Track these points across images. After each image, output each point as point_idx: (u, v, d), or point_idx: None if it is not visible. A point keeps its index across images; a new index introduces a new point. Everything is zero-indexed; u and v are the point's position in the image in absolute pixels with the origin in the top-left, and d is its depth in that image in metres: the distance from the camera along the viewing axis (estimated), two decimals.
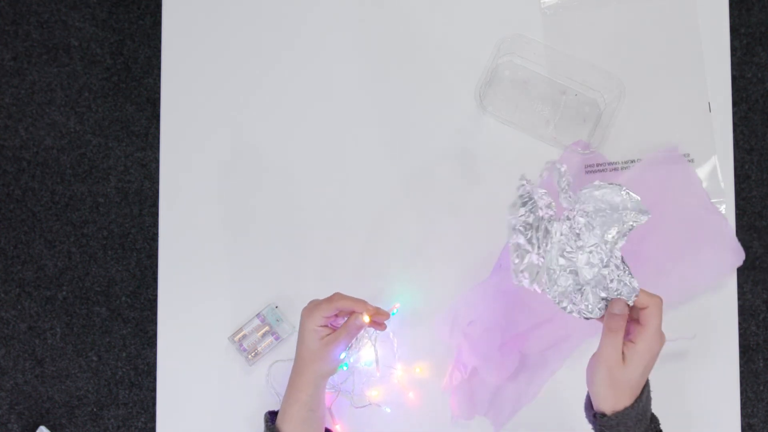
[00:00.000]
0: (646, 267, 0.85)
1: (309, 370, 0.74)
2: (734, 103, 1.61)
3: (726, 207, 0.87)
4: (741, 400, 0.89)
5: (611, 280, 0.66)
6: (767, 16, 1.64)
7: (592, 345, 0.86)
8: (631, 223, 0.68)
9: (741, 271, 1.58)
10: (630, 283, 0.66)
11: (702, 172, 0.87)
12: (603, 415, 0.65)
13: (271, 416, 0.76)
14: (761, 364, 1.58)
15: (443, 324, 0.86)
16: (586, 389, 0.69)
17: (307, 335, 0.74)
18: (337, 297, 0.75)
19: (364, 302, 0.76)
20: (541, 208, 0.69)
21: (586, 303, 0.67)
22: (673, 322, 0.86)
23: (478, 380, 0.84)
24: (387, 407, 0.86)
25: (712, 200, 0.86)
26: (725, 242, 0.85)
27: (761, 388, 1.58)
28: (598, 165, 0.88)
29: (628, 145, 0.88)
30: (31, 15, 1.71)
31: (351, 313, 0.75)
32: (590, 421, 0.68)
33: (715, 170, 0.88)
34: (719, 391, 0.86)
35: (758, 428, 1.57)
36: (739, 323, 1.28)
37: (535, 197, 0.69)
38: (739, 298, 0.90)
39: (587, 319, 0.67)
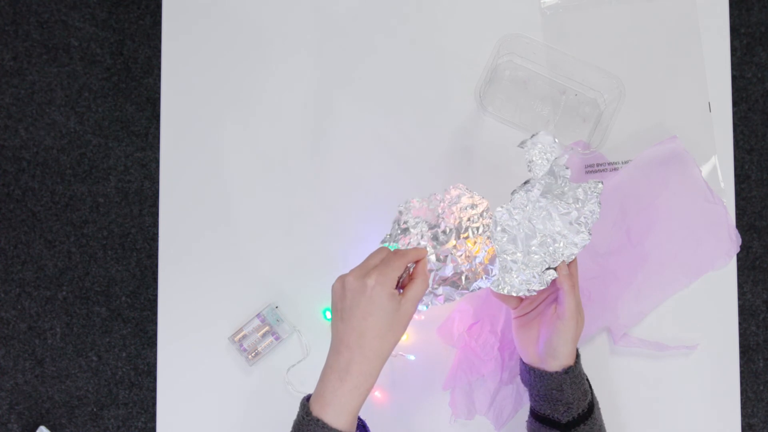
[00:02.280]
0: (649, 256, 0.85)
1: (385, 345, 0.65)
2: (734, 103, 1.61)
3: (726, 207, 0.87)
4: (741, 400, 0.90)
5: (557, 251, 0.72)
6: (767, 16, 1.64)
7: (591, 344, 0.86)
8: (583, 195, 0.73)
9: (741, 271, 1.58)
10: (577, 241, 0.72)
11: (702, 172, 0.87)
12: (570, 367, 0.71)
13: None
14: (761, 364, 1.58)
15: (444, 325, 0.86)
16: (521, 359, 0.76)
17: (387, 303, 0.64)
18: (401, 251, 0.68)
19: (416, 248, 0.71)
20: (445, 218, 0.74)
21: (535, 280, 0.72)
22: (675, 322, 0.87)
23: (478, 380, 0.85)
24: (410, 355, 0.86)
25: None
26: (724, 231, 0.85)
27: (761, 388, 1.58)
28: (598, 165, 0.88)
29: (628, 145, 0.88)
30: (31, 15, 1.71)
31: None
32: (548, 385, 0.72)
33: (715, 170, 0.88)
34: (719, 391, 0.86)
35: (758, 428, 1.58)
36: (739, 323, 1.28)
37: (440, 211, 0.75)
38: (739, 298, 0.90)
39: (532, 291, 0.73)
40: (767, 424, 1.57)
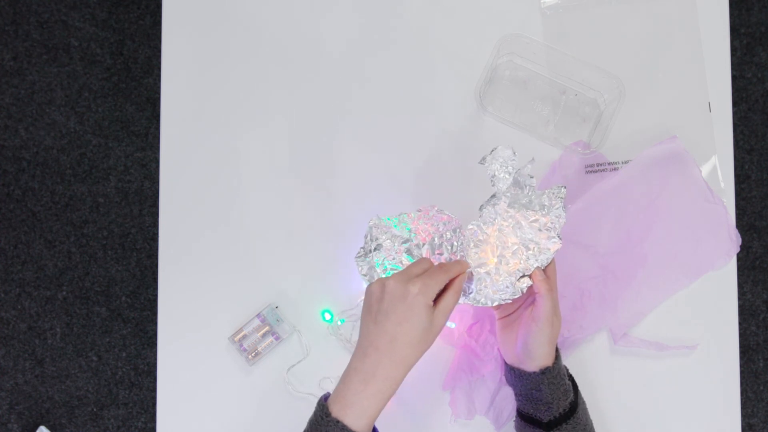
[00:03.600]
0: (649, 256, 0.85)
1: (414, 354, 0.65)
2: (734, 103, 1.61)
3: (726, 207, 0.87)
4: (741, 400, 0.90)
5: (531, 258, 0.73)
6: (767, 16, 1.64)
7: (591, 344, 0.86)
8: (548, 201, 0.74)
9: (741, 271, 1.58)
10: (549, 247, 0.73)
11: (702, 172, 0.87)
12: (548, 368, 0.72)
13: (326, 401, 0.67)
14: (761, 364, 1.58)
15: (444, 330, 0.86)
16: (505, 363, 0.77)
17: (424, 313, 0.65)
18: (445, 266, 0.69)
19: (459, 261, 0.72)
20: (418, 234, 0.75)
21: (508, 290, 0.73)
22: (675, 322, 0.87)
23: (479, 380, 0.85)
24: None
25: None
26: (724, 231, 0.85)
27: (761, 388, 1.58)
28: (598, 165, 0.88)
29: (628, 145, 0.88)
30: (31, 15, 1.71)
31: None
32: (527, 384, 0.73)
33: (715, 170, 0.88)
34: (719, 391, 0.86)
35: (758, 428, 1.58)
36: (739, 323, 1.28)
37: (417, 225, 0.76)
38: (739, 298, 0.90)
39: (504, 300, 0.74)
40: (767, 424, 1.57)
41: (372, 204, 0.89)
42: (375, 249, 0.75)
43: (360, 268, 0.76)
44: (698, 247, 0.86)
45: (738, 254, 0.86)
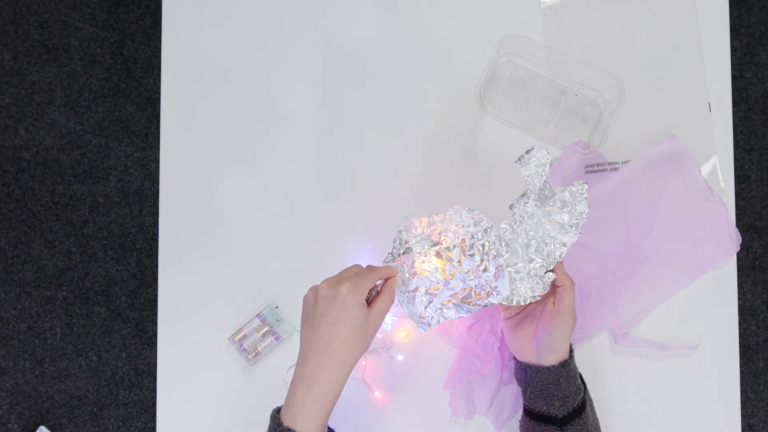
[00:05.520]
0: (649, 256, 0.85)
1: (352, 353, 0.67)
2: (734, 103, 1.61)
3: (726, 205, 0.87)
4: (741, 400, 0.90)
5: (551, 253, 0.74)
6: (767, 16, 1.64)
7: (591, 344, 0.86)
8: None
9: (741, 271, 1.58)
10: (565, 241, 0.73)
11: (702, 172, 0.87)
12: (566, 360, 0.73)
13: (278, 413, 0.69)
14: (761, 364, 1.58)
15: (444, 325, 0.86)
16: (515, 360, 0.77)
17: (357, 311, 0.67)
18: (374, 267, 0.71)
19: (389, 266, 0.74)
20: (448, 236, 0.75)
21: (539, 286, 0.74)
22: (675, 322, 0.87)
23: (478, 380, 0.85)
24: (399, 355, 0.86)
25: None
26: (724, 230, 0.85)
27: (761, 388, 1.58)
28: (598, 165, 0.88)
29: (628, 145, 0.88)
30: (31, 15, 1.71)
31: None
32: (545, 379, 0.73)
33: (715, 170, 0.88)
34: (719, 391, 0.86)
35: (758, 428, 1.58)
36: (739, 323, 1.28)
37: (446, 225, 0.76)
38: (739, 298, 0.90)
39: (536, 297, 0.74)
40: (767, 424, 1.57)
41: (370, 203, 0.89)
42: (404, 253, 0.75)
43: None
44: (698, 247, 0.86)
45: (738, 254, 0.86)
